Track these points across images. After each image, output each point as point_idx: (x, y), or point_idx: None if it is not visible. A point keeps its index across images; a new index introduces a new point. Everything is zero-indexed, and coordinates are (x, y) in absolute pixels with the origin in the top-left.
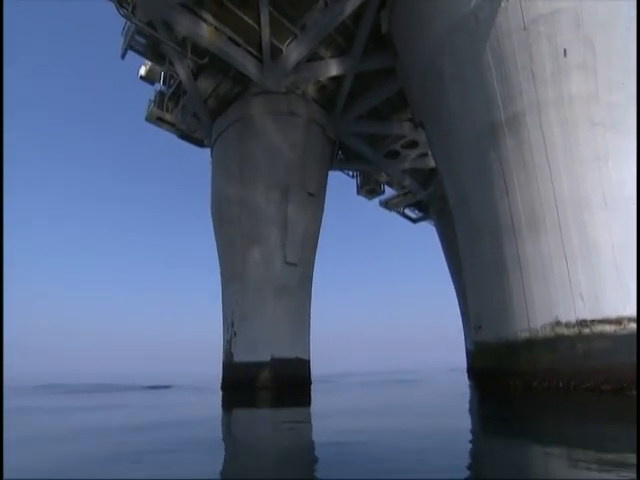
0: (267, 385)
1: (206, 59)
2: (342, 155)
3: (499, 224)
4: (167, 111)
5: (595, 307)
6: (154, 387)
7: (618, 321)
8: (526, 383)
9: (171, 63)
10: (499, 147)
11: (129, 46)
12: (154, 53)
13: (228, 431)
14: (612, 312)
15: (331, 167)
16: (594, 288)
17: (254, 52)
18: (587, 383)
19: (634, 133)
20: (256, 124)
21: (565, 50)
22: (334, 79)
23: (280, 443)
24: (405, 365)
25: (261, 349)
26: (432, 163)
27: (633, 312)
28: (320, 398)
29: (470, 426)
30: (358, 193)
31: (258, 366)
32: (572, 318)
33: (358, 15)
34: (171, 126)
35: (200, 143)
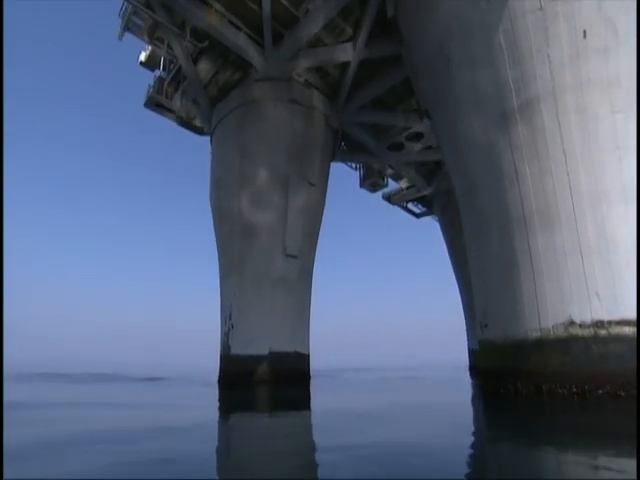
0: (265, 379)
1: (206, 42)
2: (345, 147)
3: (509, 216)
4: (167, 97)
5: (612, 307)
6: (150, 379)
7: (637, 323)
8: (535, 385)
9: (170, 47)
10: (510, 135)
11: (126, 27)
12: (152, 36)
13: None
14: (631, 313)
15: (334, 158)
16: (612, 287)
17: (255, 36)
18: (603, 388)
19: None
20: (257, 111)
21: (585, 32)
22: (338, 67)
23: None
24: (408, 362)
25: (259, 342)
26: (437, 156)
27: None
28: (320, 398)
29: (477, 439)
30: (361, 186)
31: (256, 359)
32: (587, 318)
33: None
34: (170, 113)
35: (200, 131)
